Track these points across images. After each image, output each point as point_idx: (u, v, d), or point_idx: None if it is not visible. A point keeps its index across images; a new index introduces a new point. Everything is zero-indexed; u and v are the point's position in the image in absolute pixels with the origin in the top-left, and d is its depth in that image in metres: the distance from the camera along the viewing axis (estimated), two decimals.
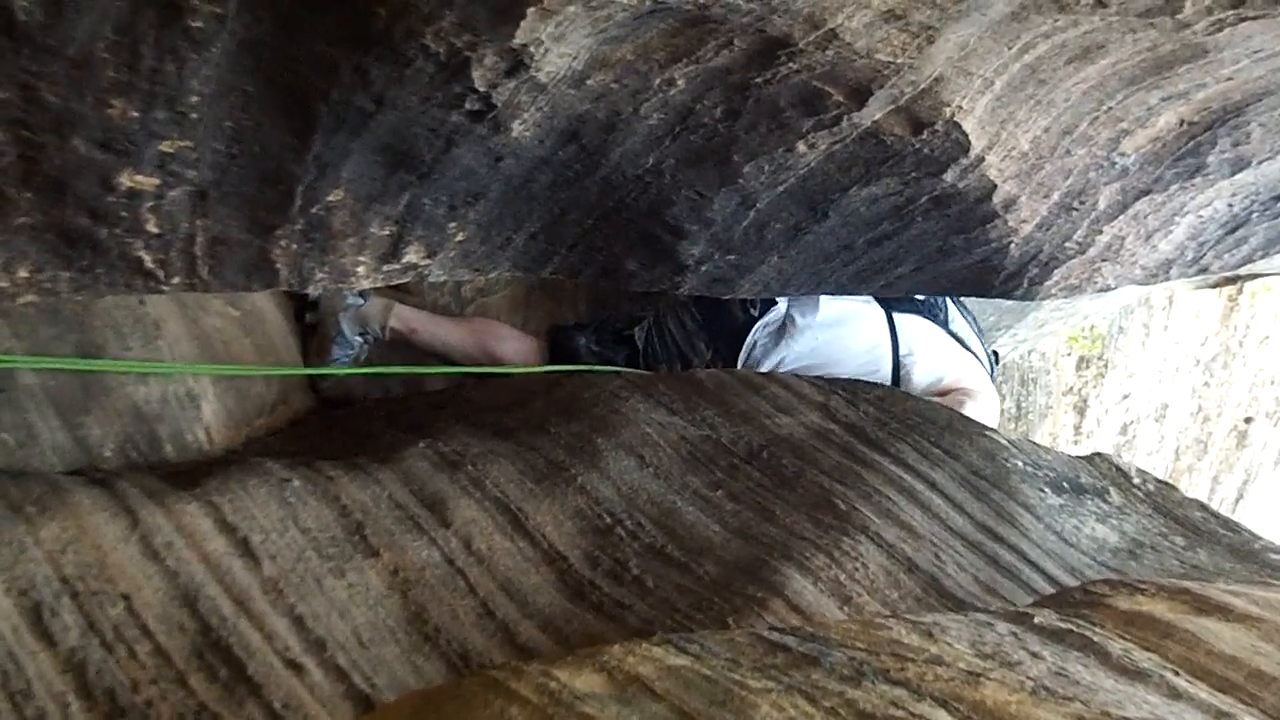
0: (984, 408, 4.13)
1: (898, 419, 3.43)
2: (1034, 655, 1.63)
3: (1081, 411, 8.25)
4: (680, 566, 2.74)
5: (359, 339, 4.40)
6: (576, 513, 2.89)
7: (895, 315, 4.26)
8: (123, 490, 2.57)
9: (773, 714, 1.38)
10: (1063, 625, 1.76)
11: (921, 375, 4.22)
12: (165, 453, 3.11)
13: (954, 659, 1.58)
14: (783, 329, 4.35)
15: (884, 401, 3.54)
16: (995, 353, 4.82)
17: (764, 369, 4.34)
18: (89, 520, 2.43)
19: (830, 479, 3.08)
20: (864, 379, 4.16)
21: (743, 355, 4.41)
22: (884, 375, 4.25)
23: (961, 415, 3.59)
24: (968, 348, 4.36)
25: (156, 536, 2.45)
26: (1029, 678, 1.54)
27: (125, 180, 1.97)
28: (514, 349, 4.60)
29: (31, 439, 2.79)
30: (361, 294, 4.38)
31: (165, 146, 1.94)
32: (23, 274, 2.05)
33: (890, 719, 1.38)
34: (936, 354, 4.27)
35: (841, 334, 4.30)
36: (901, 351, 4.26)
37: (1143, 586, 1.92)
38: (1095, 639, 1.72)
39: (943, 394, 4.14)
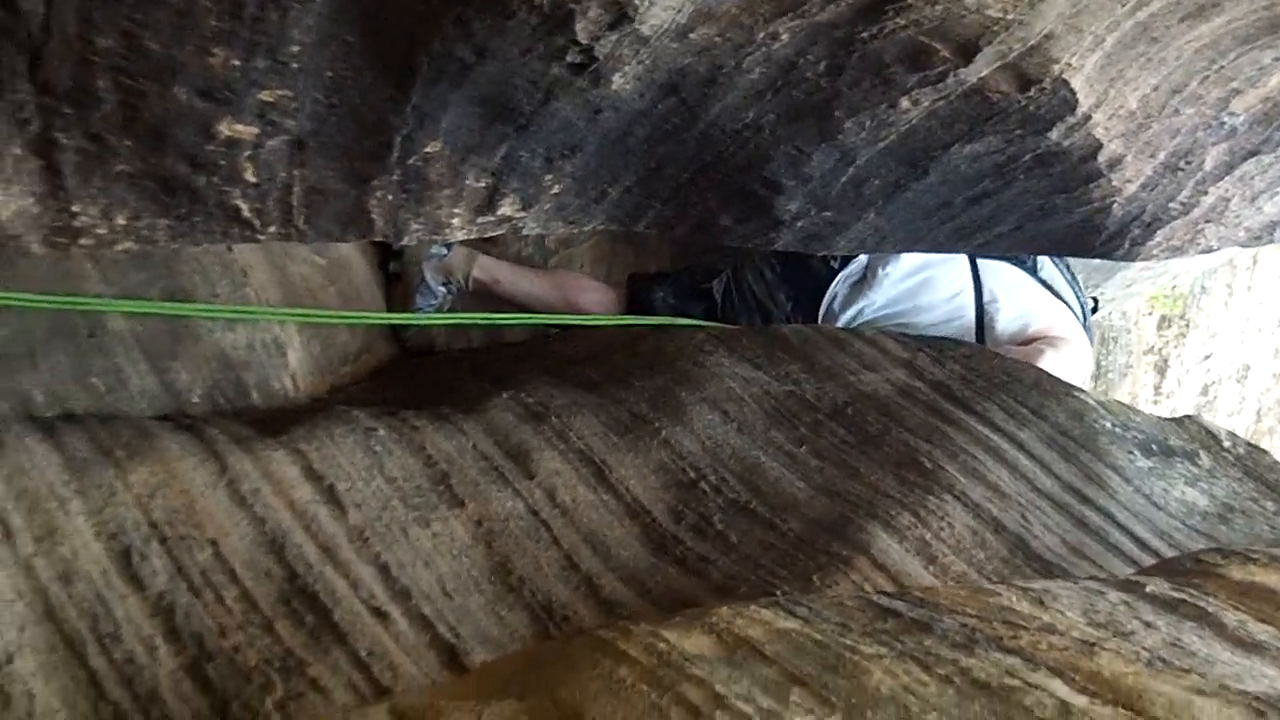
0: (1070, 356, 4.04)
1: (984, 377, 3.39)
2: (1148, 625, 1.61)
3: (1162, 371, 8.18)
4: (764, 522, 2.73)
5: (442, 289, 4.41)
6: (660, 466, 2.88)
7: (980, 262, 4.19)
8: (210, 436, 2.58)
9: (886, 680, 1.37)
10: (1176, 595, 1.74)
11: (1006, 322, 4.14)
12: (252, 399, 3.12)
13: (1067, 628, 1.56)
14: (863, 280, 4.31)
15: (971, 359, 3.50)
16: (1095, 300, 4.70)
17: (844, 320, 4.31)
18: (177, 465, 2.44)
19: (916, 437, 3.06)
20: (946, 328, 4.13)
21: (823, 307, 4.38)
22: (967, 323, 4.19)
23: (1050, 374, 3.54)
24: (1058, 295, 4.26)
25: (244, 483, 2.46)
26: (1144, 648, 1.51)
27: (224, 129, 1.96)
28: (596, 300, 4.59)
29: (121, 383, 2.81)
30: (446, 245, 4.38)
31: (265, 95, 1.93)
32: (121, 221, 2.06)
33: (1006, 688, 1.37)
34: (1023, 301, 4.18)
35: (923, 283, 4.24)
36: (985, 299, 4.18)
37: (1255, 556, 1.89)
38: (1209, 610, 1.69)
39: (1028, 342, 4.08)
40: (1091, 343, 4.40)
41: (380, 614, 2.28)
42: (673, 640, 1.46)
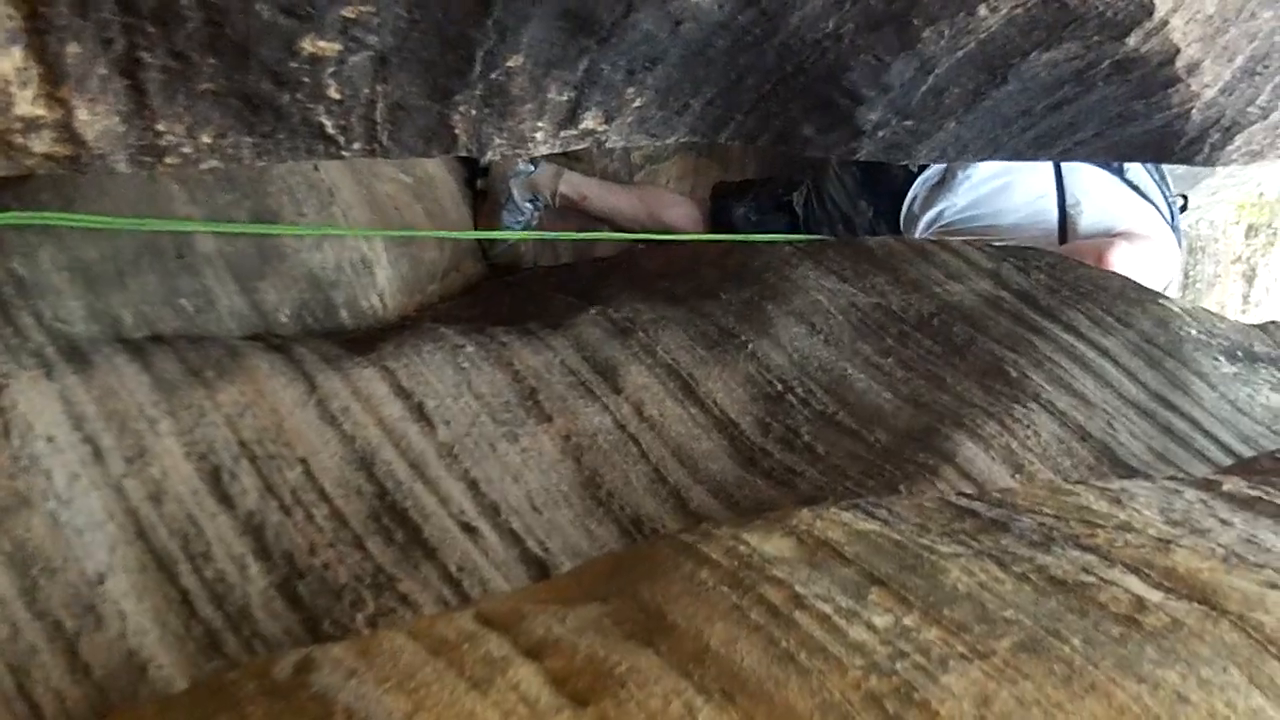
0: (1148, 253, 4.01)
1: (1070, 286, 3.38)
2: (1223, 522, 1.62)
3: (1250, 280, 8.08)
4: (851, 433, 2.75)
5: (529, 205, 4.44)
6: (747, 379, 2.90)
7: (1063, 165, 4.16)
8: (299, 355, 2.61)
9: (963, 578, 1.39)
10: (1252, 493, 1.74)
11: (1091, 224, 4.11)
12: (340, 319, 3.16)
13: (1143, 525, 1.57)
14: (941, 182, 4.31)
15: (1056, 268, 3.49)
16: (1185, 197, 4.62)
17: (924, 222, 4.32)
18: (266, 385, 2.48)
19: (1001, 346, 3.06)
20: (1029, 231, 4.11)
21: (904, 211, 4.39)
22: (1050, 226, 4.17)
23: (1135, 282, 3.52)
24: (1145, 196, 4.21)
25: (333, 401, 2.50)
26: (1220, 544, 1.53)
27: (308, 46, 1.98)
28: (681, 215, 4.61)
29: (209, 304, 2.84)
30: (532, 161, 4.41)
31: (348, 12, 1.95)
32: (206, 140, 2.08)
33: (1082, 584, 1.39)
34: (1107, 203, 4.14)
35: (1004, 187, 4.23)
36: (1069, 202, 4.15)
37: None
38: None
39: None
40: (1180, 244, 4.36)
41: (470, 529, 2.32)
42: (753, 543, 1.49)
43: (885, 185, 4.40)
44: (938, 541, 1.50)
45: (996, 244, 3.76)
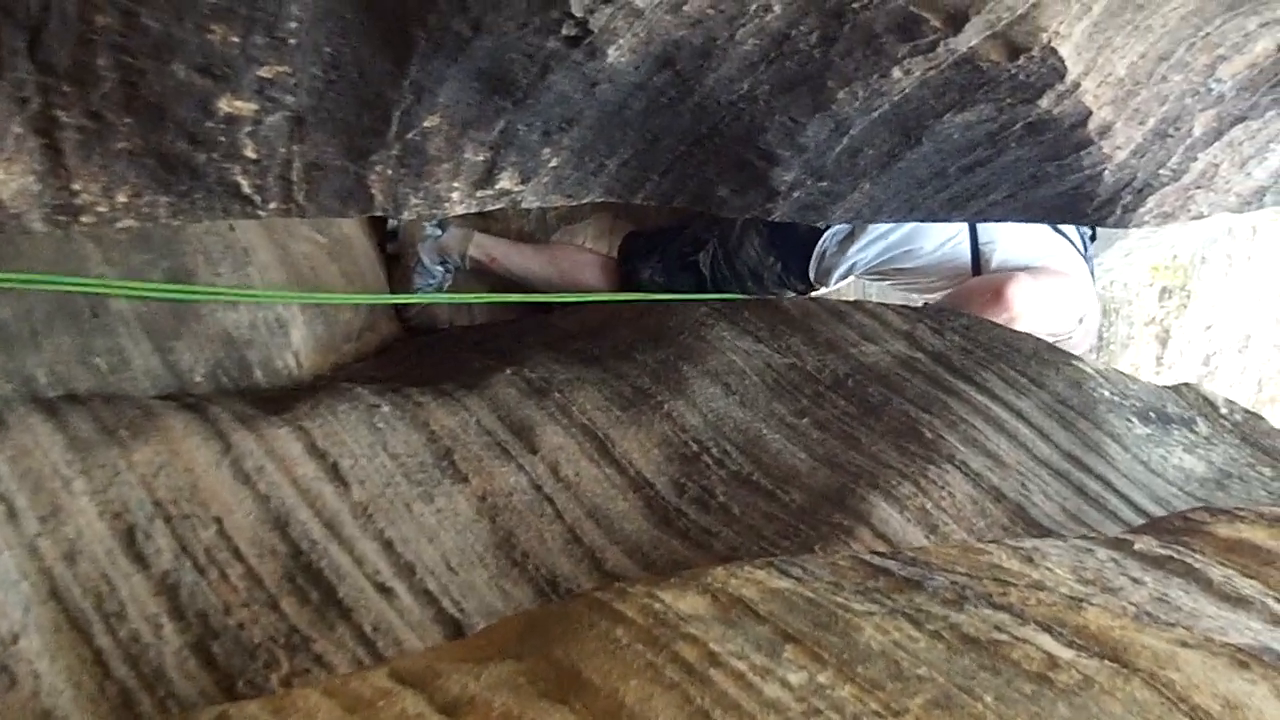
0: (1058, 288, 4.07)
1: (984, 347, 3.41)
2: (1135, 581, 1.64)
3: (1164, 342, 8.18)
4: (766, 494, 2.75)
5: (440, 268, 4.44)
6: (663, 440, 2.90)
7: None
8: (214, 415, 2.60)
9: (877, 636, 1.40)
10: (1163, 552, 1.76)
11: (1003, 261, 4.14)
12: (255, 378, 3.14)
13: (1055, 584, 1.58)
14: (851, 235, 4.33)
15: (970, 330, 3.52)
16: (1094, 229, 4.64)
17: (838, 274, 4.39)
18: (181, 444, 2.46)
19: (916, 407, 3.08)
20: (941, 270, 4.16)
21: (813, 265, 4.43)
22: (963, 264, 4.21)
23: (1049, 345, 3.55)
24: (1058, 230, 4.24)
25: (248, 460, 2.48)
26: (1131, 603, 1.54)
27: (224, 105, 1.98)
28: (593, 274, 4.62)
29: (124, 363, 2.83)
30: (440, 224, 4.41)
31: (264, 72, 1.95)
32: (122, 199, 2.07)
33: (994, 642, 1.39)
34: (1020, 238, 4.16)
35: (914, 231, 4.26)
36: (981, 240, 4.19)
37: (1242, 514, 1.92)
38: (1196, 565, 1.72)
39: None
40: (1093, 276, 4.40)
41: (385, 590, 2.31)
42: (668, 600, 1.49)
43: (794, 240, 4.41)
44: (852, 599, 1.50)
45: (911, 307, 3.78)
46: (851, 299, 3.93)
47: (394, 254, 4.41)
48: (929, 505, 2.70)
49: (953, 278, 4.19)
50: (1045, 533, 2.68)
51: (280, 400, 2.80)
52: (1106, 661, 1.37)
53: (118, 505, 2.29)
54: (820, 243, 4.38)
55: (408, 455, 2.67)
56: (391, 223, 4.35)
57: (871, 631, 1.40)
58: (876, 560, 1.66)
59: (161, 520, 2.29)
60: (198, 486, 2.39)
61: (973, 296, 3.95)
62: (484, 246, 4.50)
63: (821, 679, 1.31)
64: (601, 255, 4.79)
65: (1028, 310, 3.82)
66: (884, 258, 4.32)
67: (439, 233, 4.42)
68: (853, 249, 4.32)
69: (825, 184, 2.84)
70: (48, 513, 2.22)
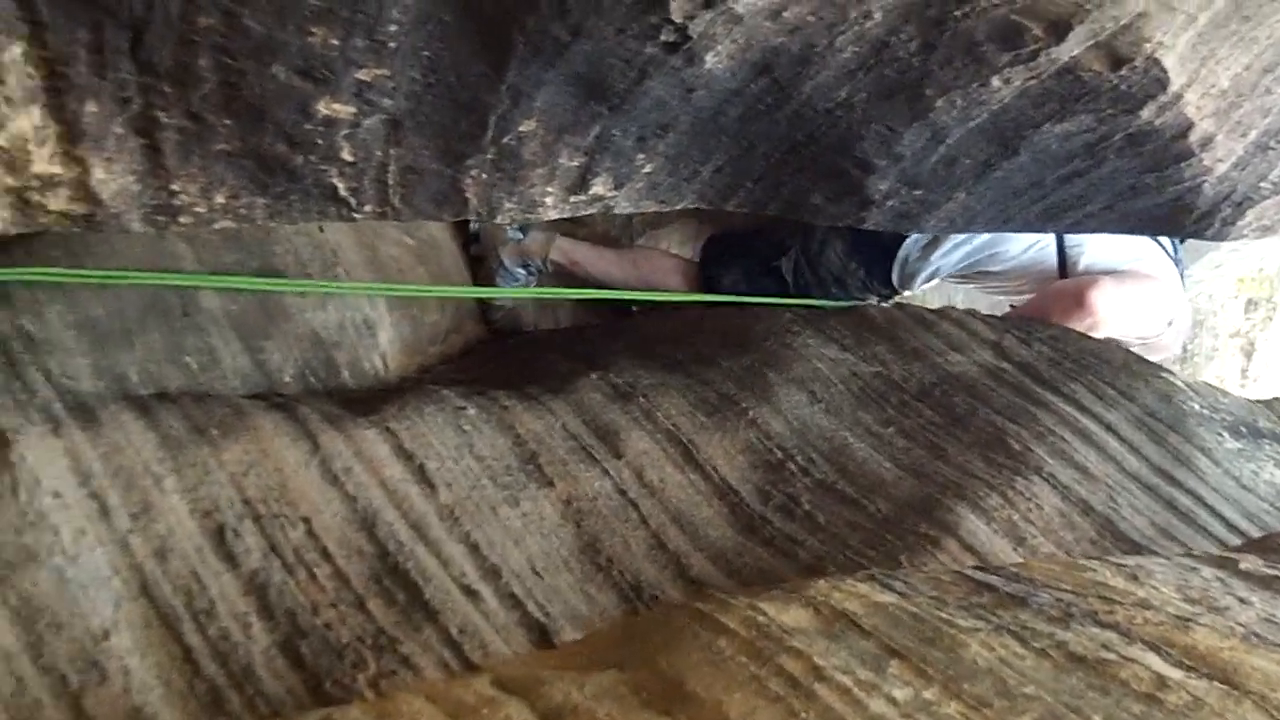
0: (1142, 292, 4.01)
1: (1072, 358, 3.38)
2: (1242, 601, 1.62)
3: (1249, 355, 8.11)
4: (852, 503, 2.74)
5: (522, 271, 4.44)
6: (748, 447, 2.89)
7: None
8: (303, 415, 2.60)
9: (983, 653, 1.38)
10: (1270, 571, 1.74)
11: (1091, 264, 4.08)
12: (343, 379, 3.15)
13: (1161, 603, 1.57)
14: (935, 239, 4.30)
15: (1058, 340, 3.49)
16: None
17: (921, 279, 4.35)
18: (271, 443, 2.46)
19: (1003, 418, 3.06)
20: (1028, 272, 4.12)
21: (896, 270, 4.40)
22: (1049, 267, 4.16)
23: (1139, 356, 3.51)
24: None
25: (336, 461, 2.48)
26: (1239, 623, 1.52)
27: (323, 108, 1.98)
28: (675, 279, 4.61)
29: (214, 362, 2.83)
30: (522, 227, 4.41)
31: (363, 75, 1.95)
32: (219, 199, 2.08)
33: (1102, 661, 1.38)
34: (1108, 242, 4.09)
35: (998, 236, 4.21)
36: (1069, 243, 4.13)
37: None
38: None
39: None
40: (1183, 281, 4.33)
41: (470, 592, 2.30)
42: (771, 613, 1.48)
43: (877, 245, 4.38)
44: (956, 615, 1.49)
45: (997, 316, 3.75)
46: (938, 307, 3.90)
47: (477, 256, 4.42)
48: (1016, 517, 2.68)
49: (1040, 280, 4.15)
50: (1135, 547, 2.65)
51: (367, 401, 2.80)
52: (1216, 683, 1.35)
53: (208, 504, 2.29)
54: (903, 248, 4.35)
55: (493, 458, 2.67)
56: (474, 225, 4.36)
57: (977, 648, 1.39)
58: (980, 575, 1.65)
59: (251, 519, 2.30)
60: (287, 486, 2.39)
61: (1055, 301, 3.91)
62: (566, 250, 4.50)
63: (927, 695, 1.30)
64: (683, 260, 4.77)
65: (1110, 315, 3.79)
66: (968, 262, 4.29)
67: (521, 236, 4.42)
68: (936, 254, 4.29)
69: (920, 193, 2.83)
70: (139, 510, 2.22)
